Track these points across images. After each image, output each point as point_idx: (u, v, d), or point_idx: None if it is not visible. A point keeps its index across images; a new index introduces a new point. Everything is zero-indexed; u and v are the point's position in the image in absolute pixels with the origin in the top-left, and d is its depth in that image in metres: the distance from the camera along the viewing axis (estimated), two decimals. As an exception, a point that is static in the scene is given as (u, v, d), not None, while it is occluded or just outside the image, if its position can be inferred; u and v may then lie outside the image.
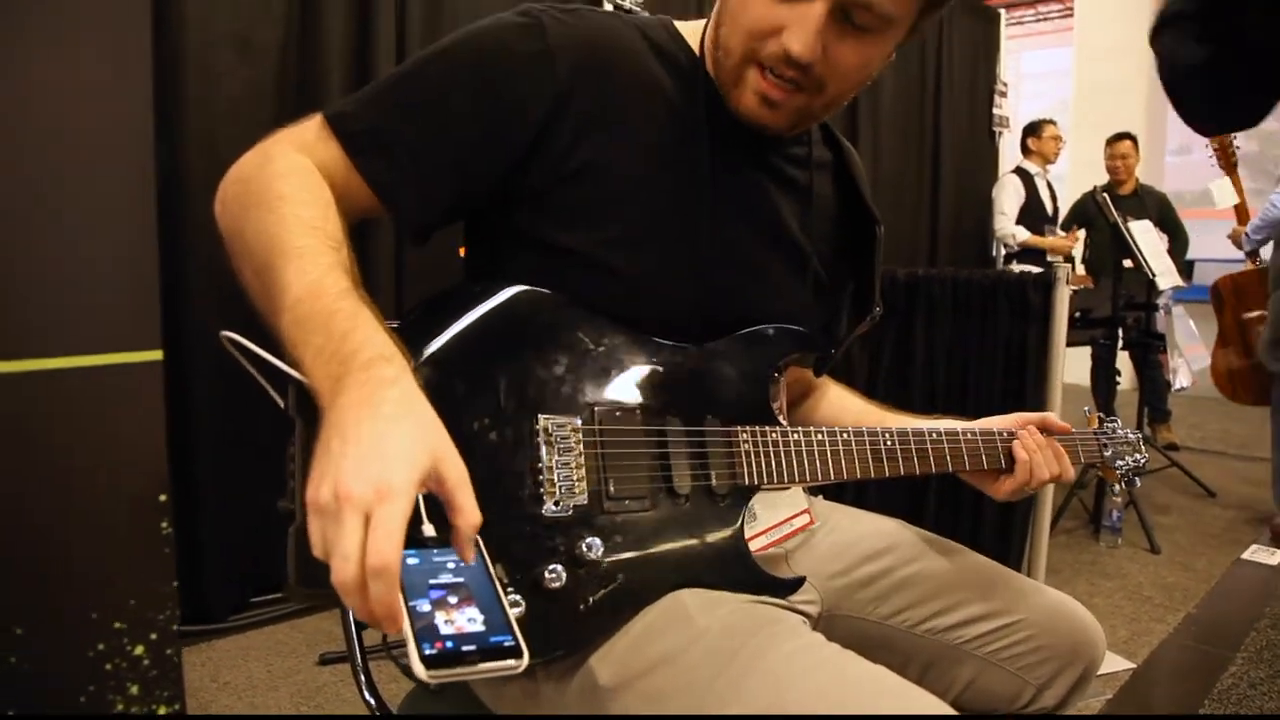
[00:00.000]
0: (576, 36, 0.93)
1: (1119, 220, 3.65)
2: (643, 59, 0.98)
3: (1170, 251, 4.57)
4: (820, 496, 1.23)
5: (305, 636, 2.48)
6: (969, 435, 1.08)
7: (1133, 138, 5.04)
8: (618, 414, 0.89)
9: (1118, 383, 4.16)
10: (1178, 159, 7.42)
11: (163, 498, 1.35)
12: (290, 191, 0.81)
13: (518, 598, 0.79)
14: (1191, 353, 4.08)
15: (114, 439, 1.33)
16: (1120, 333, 3.84)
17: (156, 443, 1.36)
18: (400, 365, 0.70)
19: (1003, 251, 5.40)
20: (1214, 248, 5.14)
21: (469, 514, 0.66)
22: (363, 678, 1.02)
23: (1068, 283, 2.29)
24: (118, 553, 1.33)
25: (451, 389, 0.82)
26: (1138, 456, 1.26)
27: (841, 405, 1.26)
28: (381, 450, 0.63)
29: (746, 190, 1.03)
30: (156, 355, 1.33)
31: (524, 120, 0.91)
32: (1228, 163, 4.08)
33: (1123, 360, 4.30)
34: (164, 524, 1.37)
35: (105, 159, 1.36)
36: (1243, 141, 4.22)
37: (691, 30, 1.03)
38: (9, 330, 1.27)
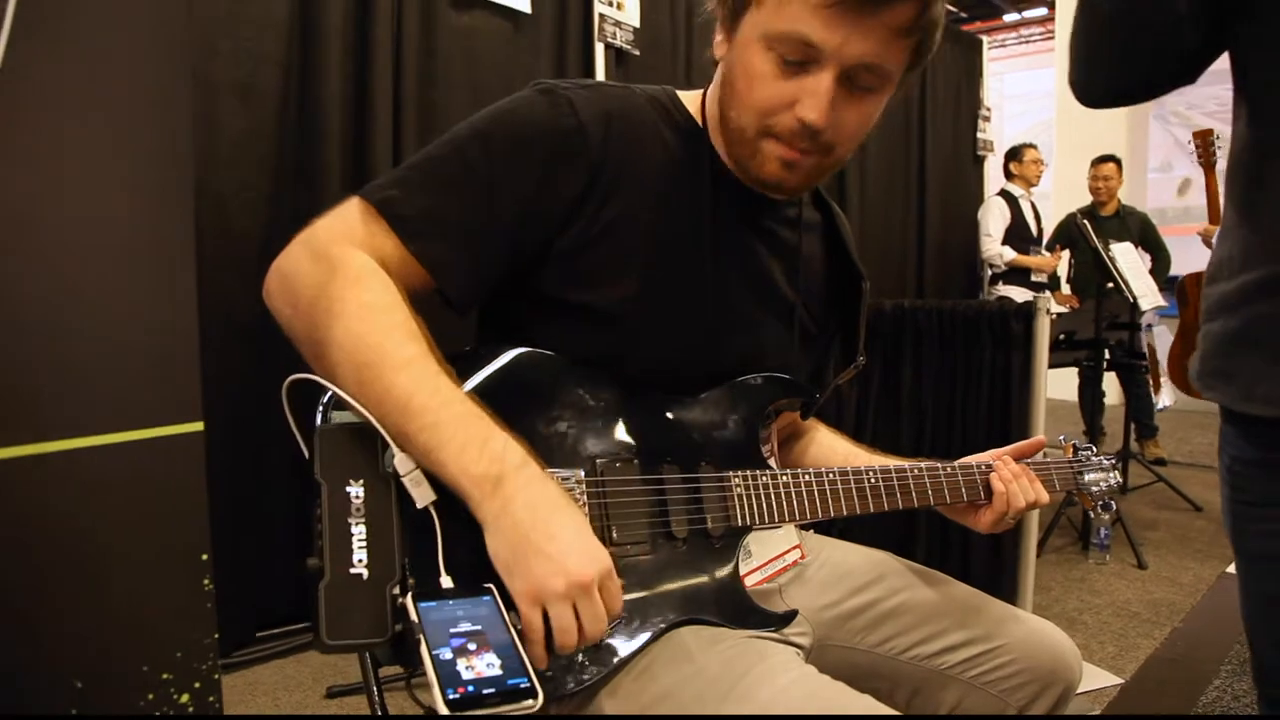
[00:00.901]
0: (602, 109, 0.99)
1: (1099, 247, 3.73)
2: (656, 128, 1.04)
3: (1153, 270, 4.67)
4: (811, 531, 1.30)
5: (312, 670, 2.52)
6: (948, 470, 1.14)
7: (1117, 160, 5.14)
8: (618, 465, 0.96)
9: (1104, 401, 4.24)
10: (1160, 176, 7.52)
11: (204, 556, 1.41)
12: (373, 299, 0.86)
13: None
14: (1175, 370, 4.17)
15: (161, 505, 1.38)
16: (1105, 353, 3.91)
17: (199, 507, 1.41)
18: (536, 462, 0.84)
19: (989, 272, 5.50)
20: (1196, 263, 5.22)
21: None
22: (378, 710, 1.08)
23: (1049, 312, 2.37)
24: (165, 609, 1.38)
25: None
26: (1112, 481, 1.31)
27: (831, 447, 1.32)
28: (584, 538, 0.81)
29: (743, 250, 1.09)
30: (198, 427, 1.39)
31: (565, 194, 0.96)
32: (1208, 161, 4.14)
33: (1110, 377, 4.38)
34: (206, 581, 1.43)
35: (143, 231, 1.41)
36: (1226, 143, 4.28)
37: (692, 99, 1.09)
38: (55, 409, 1.31)
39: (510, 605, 0.79)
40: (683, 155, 1.05)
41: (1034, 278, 5.28)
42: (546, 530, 0.79)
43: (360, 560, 0.76)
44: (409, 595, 0.76)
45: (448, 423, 0.82)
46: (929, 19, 0.92)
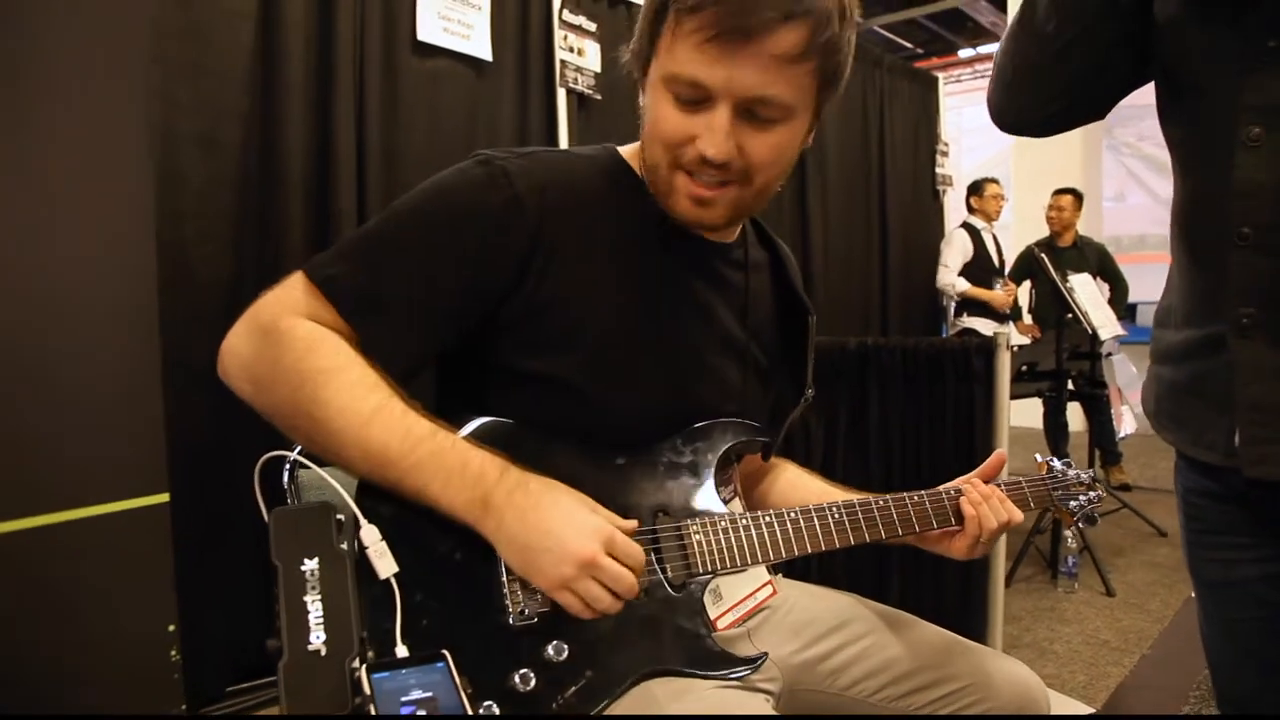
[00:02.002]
0: (538, 178, 1.01)
1: (1057, 280, 3.80)
2: (595, 190, 1.06)
3: (1111, 300, 4.76)
4: (780, 574, 1.31)
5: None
6: (915, 498, 1.13)
7: (1075, 193, 5.26)
8: None
9: (1068, 430, 4.29)
10: (1114, 205, 7.68)
11: (171, 628, 1.39)
12: (328, 363, 0.90)
13: (492, 704, 0.86)
14: (1134, 397, 4.23)
15: (127, 578, 1.36)
16: (1068, 383, 3.97)
17: (165, 579, 1.39)
18: (514, 468, 0.91)
19: (952, 305, 5.58)
20: (1153, 290, 5.30)
21: (624, 521, 0.93)
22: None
23: (1009, 346, 2.42)
24: (130, 680, 1.36)
25: (419, 518, 0.90)
26: (1092, 495, 1.28)
27: (796, 485, 1.32)
28: (575, 520, 0.89)
29: (694, 297, 1.11)
30: (163, 498, 1.37)
31: (504, 266, 0.98)
32: None
33: (1074, 406, 4.44)
34: (173, 652, 1.40)
35: (104, 299, 1.39)
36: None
37: (632, 153, 1.12)
38: (20, 486, 1.29)
39: (468, 668, 0.82)
40: (626, 212, 1.06)
41: (997, 309, 5.37)
42: (540, 529, 0.87)
43: (318, 637, 0.78)
44: (363, 668, 0.78)
45: (425, 462, 0.88)
46: (823, 42, 0.92)
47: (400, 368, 0.96)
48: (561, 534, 0.86)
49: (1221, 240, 0.92)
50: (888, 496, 1.14)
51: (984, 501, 1.12)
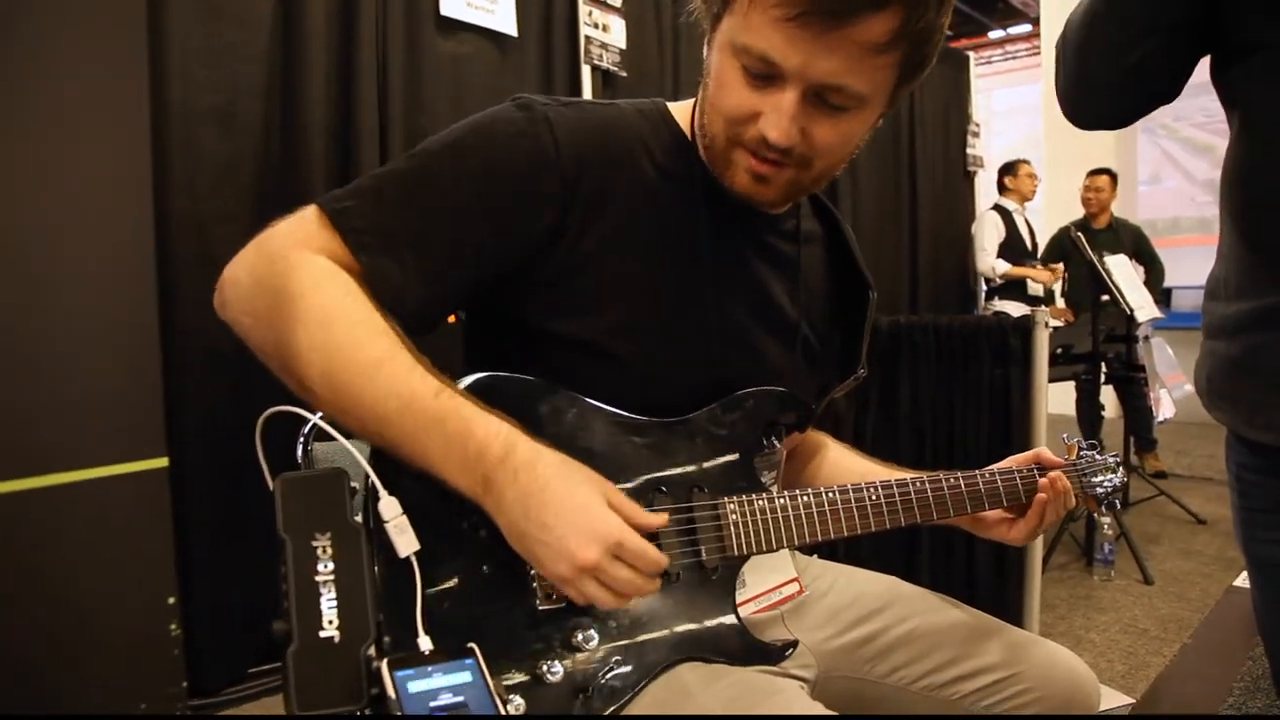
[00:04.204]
0: (580, 128, 0.94)
1: (1094, 259, 3.71)
2: (641, 146, 0.99)
3: (1147, 282, 4.65)
4: (815, 556, 1.25)
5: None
6: (986, 476, 1.09)
7: (1110, 173, 5.15)
8: None
9: (1103, 415, 4.20)
10: (1150, 188, 7.53)
11: (171, 600, 1.35)
12: (332, 302, 0.82)
13: (519, 700, 0.81)
14: (1172, 381, 4.13)
15: (123, 546, 1.32)
16: (1103, 366, 3.89)
17: (165, 548, 1.36)
18: (524, 442, 0.80)
19: (983, 288, 5.48)
20: (1189, 274, 5.22)
21: (648, 519, 0.83)
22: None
23: (1046, 325, 2.34)
24: (128, 657, 1.32)
25: (440, 488, 0.82)
26: (1115, 479, 1.23)
27: (841, 465, 1.26)
28: (582, 518, 0.78)
29: (740, 268, 1.05)
30: (162, 463, 1.34)
31: (536, 216, 0.91)
32: None
33: (1107, 391, 4.35)
34: (173, 626, 1.37)
35: (105, 268, 1.36)
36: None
37: (682, 111, 1.05)
38: (14, 448, 1.26)
39: (495, 656, 0.77)
40: (674, 171, 1.00)
41: (1030, 291, 5.27)
42: (540, 520, 0.78)
43: (330, 622, 0.72)
44: (384, 662, 0.71)
45: (426, 427, 0.79)
46: (915, 30, 0.83)
47: (409, 311, 0.87)
48: (562, 532, 0.77)
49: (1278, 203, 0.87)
50: (924, 478, 1.08)
51: (1063, 494, 1.10)
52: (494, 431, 0.80)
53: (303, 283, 0.82)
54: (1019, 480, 1.10)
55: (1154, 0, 0.92)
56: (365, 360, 0.80)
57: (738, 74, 0.88)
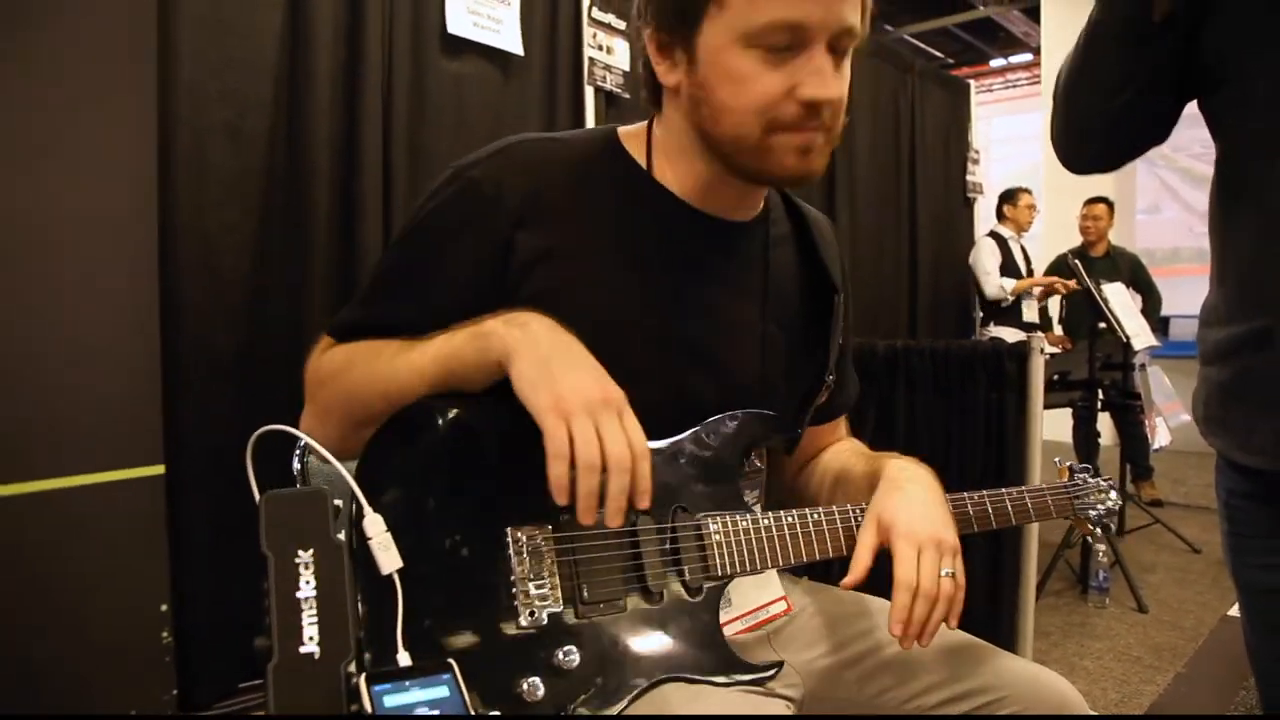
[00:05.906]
0: (512, 176, 0.97)
1: (1091, 285, 3.73)
2: (588, 175, 1.01)
3: (1144, 311, 4.66)
4: (805, 578, 1.25)
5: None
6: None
7: (1108, 202, 5.18)
8: None
9: (1099, 442, 4.20)
10: (1149, 218, 7.56)
11: (164, 608, 1.36)
12: (352, 355, 0.96)
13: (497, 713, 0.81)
14: (1169, 410, 4.13)
15: (117, 552, 1.33)
16: (1099, 393, 3.89)
17: (158, 556, 1.36)
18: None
19: (980, 314, 5.49)
20: (1186, 303, 5.22)
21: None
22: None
23: (1042, 351, 2.35)
24: (120, 661, 1.33)
25: (422, 506, 0.85)
26: (1109, 504, 1.24)
27: (833, 475, 1.22)
28: (599, 370, 0.85)
29: (702, 285, 1.05)
30: (158, 470, 1.35)
31: (490, 267, 0.96)
32: None
33: (1104, 418, 4.35)
34: (165, 634, 1.37)
35: (107, 274, 1.38)
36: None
37: (633, 134, 1.06)
38: (11, 452, 1.27)
39: (475, 674, 0.77)
40: (619, 197, 1.01)
41: (1025, 318, 5.27)
42: (569, 355, 0.85)
43: (311, 638, 0.72)
44: (362, 677, 0.73)
45: (443, 340, 0.89)
46: None
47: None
48: (588, 372, 0.84)
49: (1269, 225, 0.88)
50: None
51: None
52: (498, 313, 0.89)
53: (333, 366, 0.97)
54: (989, 505, 1.12)
55: (1129, 51, 0.94)
56: (397, 358, 0.91)
57: (755, 62, 0.90)
